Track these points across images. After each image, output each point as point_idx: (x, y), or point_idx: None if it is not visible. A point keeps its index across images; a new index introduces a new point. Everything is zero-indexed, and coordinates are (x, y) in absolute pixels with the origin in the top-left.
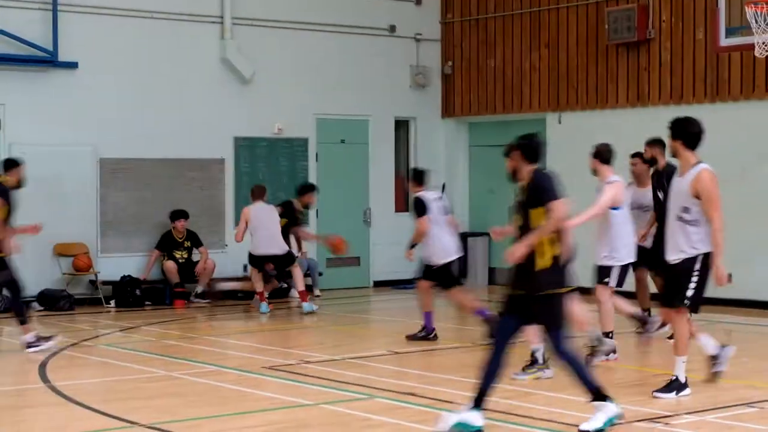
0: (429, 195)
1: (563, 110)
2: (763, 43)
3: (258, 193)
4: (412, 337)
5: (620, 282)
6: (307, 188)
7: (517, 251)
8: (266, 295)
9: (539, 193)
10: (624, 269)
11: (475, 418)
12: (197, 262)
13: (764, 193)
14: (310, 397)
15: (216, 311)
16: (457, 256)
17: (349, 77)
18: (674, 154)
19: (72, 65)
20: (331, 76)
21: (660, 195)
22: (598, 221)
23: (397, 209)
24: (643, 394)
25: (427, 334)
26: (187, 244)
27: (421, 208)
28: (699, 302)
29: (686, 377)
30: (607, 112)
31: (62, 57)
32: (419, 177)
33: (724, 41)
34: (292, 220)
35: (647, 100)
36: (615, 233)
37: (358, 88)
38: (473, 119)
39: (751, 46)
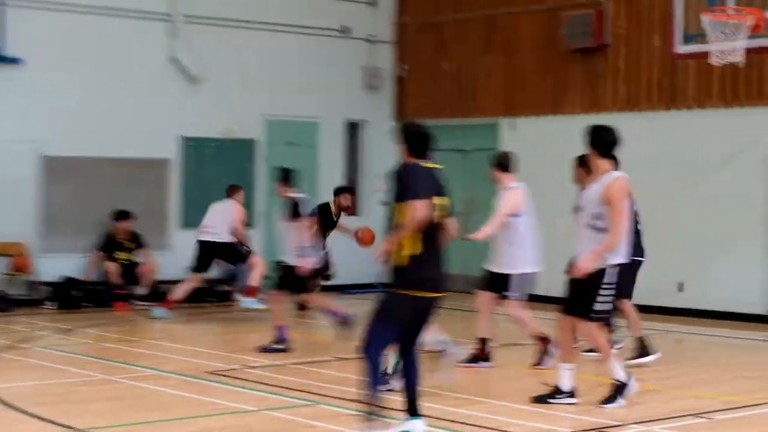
0: (302, 196)
1: (518, 115)
2: (720, 50)
3: (227, 192)
4: (264, 349)
5: (523, 291)
6: (340, 190)
7: (382, 249)
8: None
9: (401, 188)
10: (525, 278)
11: (417, 425)
12: (139, 263)
13: (719, 200)
14: (253, 403)
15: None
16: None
17: (299, 78)
18: (589, 162)
19: (17, 61)
20: (281, 77)
21: None
22: (498, 229)
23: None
24: (589, 403)
25: (281, 345)
26: (131, 245)
27: (301, 209)
28: (609, 316)
29: (628, 374)
30: (562, 118)
31: (7, 52)
32: (289, 177)
33: (681, 48)
34: (327, 223)
35: (603, 106)
36: (517, 241)
37: (308, 90)
38: (426, 123)
39: (707, 54)
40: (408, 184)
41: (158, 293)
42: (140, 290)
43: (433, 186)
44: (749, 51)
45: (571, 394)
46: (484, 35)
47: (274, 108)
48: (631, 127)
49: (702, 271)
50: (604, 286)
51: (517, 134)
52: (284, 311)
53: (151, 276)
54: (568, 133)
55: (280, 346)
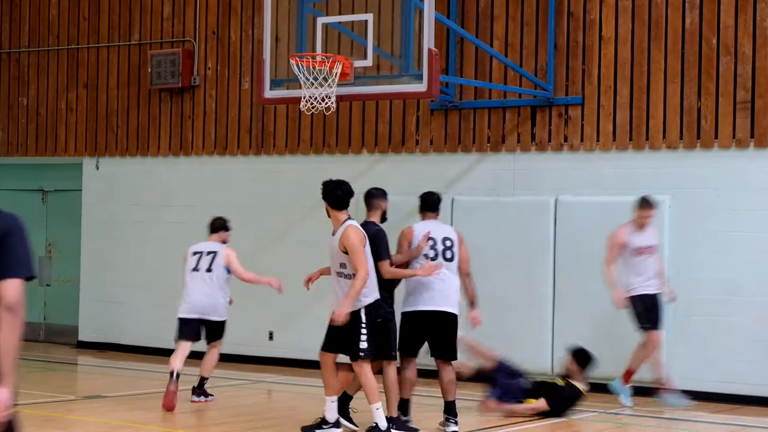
0: None
1: (102, 156)
2: (308, 97)
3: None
4: None
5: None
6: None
7: None
8: None
9: None
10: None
11: None
12: None
13: (308, 247)
14: None
15: None
16: None
17: None
18: (328, 215)
19: None
20: None
21: None
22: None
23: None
24: None
25: None
26: None
27: None
28: (375, 351)
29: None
30: (150, 159)
31: None
32: None
33: (269, 93)
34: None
35: (192, 149)
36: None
37: None
38: (3, 161)
39: (297, 100)
40: None
41: None
42: None
43: None
44: (339, 98)
45: (336, 425)
46: (66, 69)
47: None
48: (221, 170)
49: (292, 320)
50: (363, 326)
51: (101, 175)
52: None
53: None
54: (155, 174)
55: None
